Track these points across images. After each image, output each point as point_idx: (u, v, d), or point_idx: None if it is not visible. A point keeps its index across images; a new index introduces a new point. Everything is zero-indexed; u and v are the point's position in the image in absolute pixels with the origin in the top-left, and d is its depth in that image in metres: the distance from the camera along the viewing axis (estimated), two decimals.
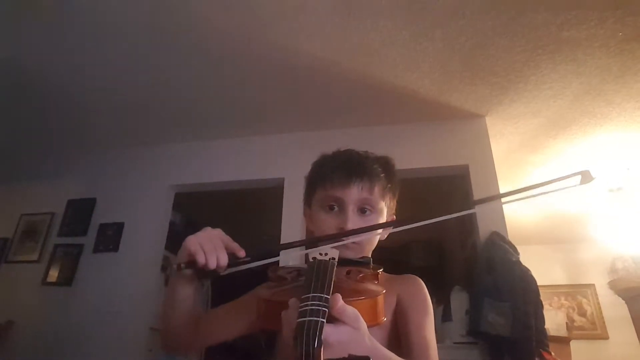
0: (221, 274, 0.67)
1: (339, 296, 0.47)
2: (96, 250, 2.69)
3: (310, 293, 0.47)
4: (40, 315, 2.57)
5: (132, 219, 2.73)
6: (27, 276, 2.72)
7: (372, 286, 0.62)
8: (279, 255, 0.70)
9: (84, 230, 2.77)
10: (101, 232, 2.74)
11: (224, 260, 0.65)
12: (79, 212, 2.86)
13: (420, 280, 0.80)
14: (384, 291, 0.58)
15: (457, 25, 1.88)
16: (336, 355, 0.42)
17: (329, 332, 0.43)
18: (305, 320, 0.43)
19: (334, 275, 0.55)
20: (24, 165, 3.20)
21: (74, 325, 2.46)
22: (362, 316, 0.48)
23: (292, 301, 0.49)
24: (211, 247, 0.65)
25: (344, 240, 0.71)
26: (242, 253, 0.67)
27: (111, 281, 2.56)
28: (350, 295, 0.52)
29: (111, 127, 2.85)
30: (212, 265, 0.64)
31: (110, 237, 2.71)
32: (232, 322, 0.78)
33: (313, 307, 0.44)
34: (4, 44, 2.12)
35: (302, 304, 0.45)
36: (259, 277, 0.75)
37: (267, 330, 0.56)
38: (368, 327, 0.50)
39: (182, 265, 0.66)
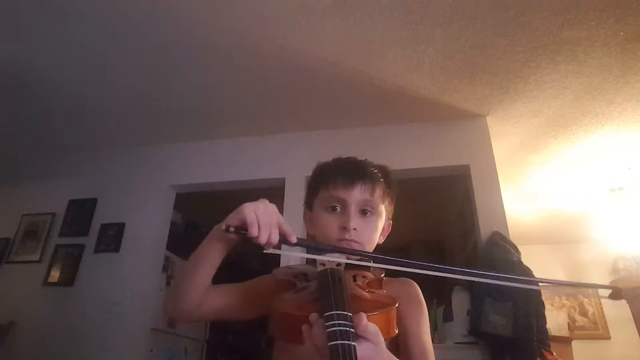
0: (265, 251, 0.64)
1: (364, 316, 0.48)
2: (97, 250, 2.69)
3: (333, 310, 0.48)
4: (42, 315, 2.57)
5: (133, 219, 2.73)
6: (28, 276, 2.72)
7: (386, 298, 0.62)
8: (325, 253, 0.68)
9: (85, 231, 2.78)
10: (102, 233, 2.74)
11: (276, 239, 0.63)
12: (80, 212, 2.86)
13: (415, 283, 0.81)
14: (397, 305, 0.58)
15: (457, 25, 1.88)
16: None
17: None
18: (338, 345, 0.44)
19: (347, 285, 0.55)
20: (25, 165, 3.20)
21: (75, 326, 2.46)
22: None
23: (314, 317, 0.49)
24: (267, 221, 0.63)
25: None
26: (293, 239, 0.65)
27: (112, 281, 2.56)
28: (367, 308, 0.53)
29: (112, 127, 2.86)
30: (263, 240, 0.62)
31: (112, 238, 2.71)
32: (233, 302, 0.80)
33: (342, 329, 0.45)
34: (4, 43, 2.12)
35: (329, 324, 0.46)
36: (259, 274, 0.75)
37: (284, 342, 0.56)
38: (385, 340, 0.51)
39: (231, 228, 0.63)
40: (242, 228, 0.62)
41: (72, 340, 2.43)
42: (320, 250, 0.69)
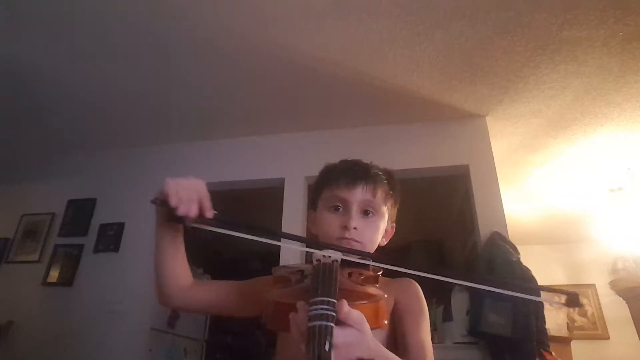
0: (187, 225, 0.69)
1: (345, 302, 0.49)
2: (96, 250, 2.69)
3: (318, 297, 0.49)
4: (41, 315, 2.57)
5: (132, 219, 2.73)
6: (27, 276, 2.72)
7: (375, 290, 0.63)
8: (251, 235, 0.70)
9: (85, 231, 2.77)
10: (101, 232, 2.74)
11: (194, 212, 0.67)
12: (80, 212, 2.86)
13: (416, 283, 0.82)
14: (386, 295, 0.60)
15: (457, 25, 1.88)
16: (342, 357, 0.44)
17: (337, 334, 0.45)
18: (316, 325, 0.44)
19: (338, 278, 0.57)
20: (24, 165, 3.20)
21: (74, 326, 2.46)
22: (366, 319, 0.50)
23: (300, 304, 0.50)
24: (185, 195, 0.67)
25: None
26: (209, 214, 0.69)
27: (111, 281, 2.56)
28: (354, 299, 0.54)
29: (112, 127, 2.85)
30: (182, 212, 0.66)
31: (111, 237, 2.71)
32: (227, 298, 0.83)
33: (322, 312, 0.46)
34: (4, 43, 2.12)
35: (312, 308, 0.47)
36: (257, 272, 0.76)
37: (275, 330, 0.58)
38: (372, 329, 0.52)
39: (158, 201, 0.69)
40: (165, 201, 0.67)
41: (71, 340, 2.42)
42: (249, 230, 0.71)
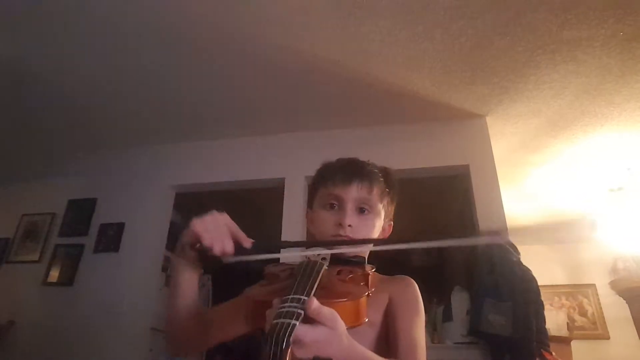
0: (224, 262, 0.65)
1: (314, 299, 0.48)
2: (97, 250, 2.69)
3: (290, 294, 0.49)
4: (41, 315, 2.57)
5: (132, 219, 2.73)
6: (27, 276, 2.72)
7: (357, 288, 0.62)
8: (280, 252, 0.69)
9: (85, 231, 2.77)
10: (102, 232, 2.74)
11: (230, 247, 0.64)
12: (80, 212, 2.86)
13: (413, 281, 0.81)
14: (367, 293, 0.59)
15: (457, 25, 1.88)
16: (310, 355, 0.44)
17: (305, 331, 0.45)
18: (278, 322, 0.44)
19: (319, 277, 0.56)
20: (24, 165, 3.20)
21: (75, 326, 2.46)
22: (342, 317, 0.49)
23: (276, 301, 0.50)
24: (218, 232, 0.64)
25: (346, 245, 0.72)
26: (247, 243, 0.66)
27: (112, 281, 2.56)
28: (333, 296, 0.53)
29: (112, 127, 2.85)
30: (218, 250, 0.63)
31: (111, 237, 2.71)
32: (230, 322, 0.79)
33: (289, 309, 0.46)
34: (4, 43, 2.12)
35: (280, 305, 0.47)
36: (258, 274, 0.75)
37: (257, 328, 0.57)
38: (350, 327, 0.51)
39: (187, 246, 0.66)
40: (196, 243, 0.64)
41: (71, 340, 2.42)
42: (288, 248, 0.71)
